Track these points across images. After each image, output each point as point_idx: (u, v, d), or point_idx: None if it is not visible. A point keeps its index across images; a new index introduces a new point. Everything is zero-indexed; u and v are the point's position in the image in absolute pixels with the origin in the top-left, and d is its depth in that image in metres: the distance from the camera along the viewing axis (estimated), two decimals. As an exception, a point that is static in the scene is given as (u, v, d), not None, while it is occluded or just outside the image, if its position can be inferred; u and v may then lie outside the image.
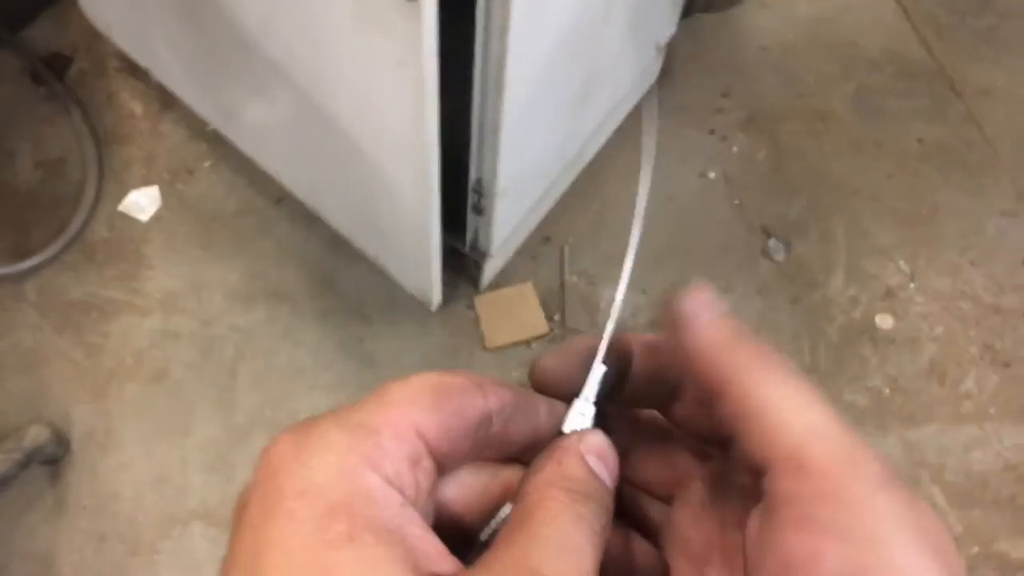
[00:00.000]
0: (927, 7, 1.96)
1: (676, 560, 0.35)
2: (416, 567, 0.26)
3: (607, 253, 1.64)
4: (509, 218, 1.48)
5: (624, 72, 1.63)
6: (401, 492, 0.28)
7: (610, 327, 0.35)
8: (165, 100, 1.73)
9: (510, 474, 0.34)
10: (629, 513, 0.37)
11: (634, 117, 1.75)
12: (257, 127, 1.52)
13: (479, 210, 1.41)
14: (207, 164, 1.70)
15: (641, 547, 0.36)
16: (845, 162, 1.78)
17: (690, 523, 0.34)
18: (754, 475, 0.30)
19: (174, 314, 1.55)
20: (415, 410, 0.30)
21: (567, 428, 0.35)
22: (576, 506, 0.30)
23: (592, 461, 0.32)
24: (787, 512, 0.28)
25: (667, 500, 0.36)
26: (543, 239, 1.65)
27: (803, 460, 0.28)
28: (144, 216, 1.63)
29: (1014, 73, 1.89)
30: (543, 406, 0.34)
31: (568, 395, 0.35)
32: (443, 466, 0.31)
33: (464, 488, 0.33)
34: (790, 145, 1.80)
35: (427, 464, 0.30)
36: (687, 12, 1.75)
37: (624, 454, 0.35)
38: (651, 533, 0.36)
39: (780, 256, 1.67)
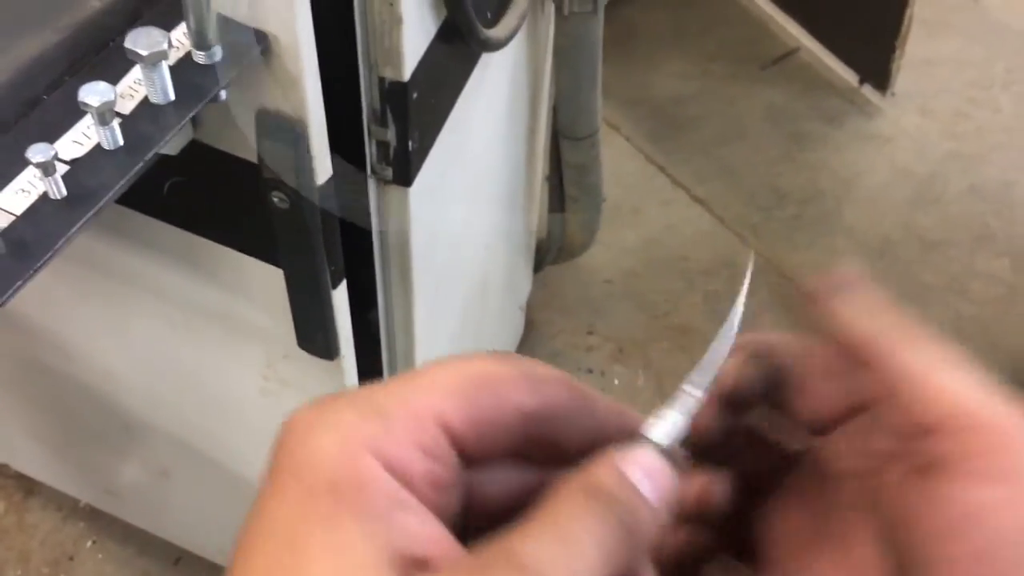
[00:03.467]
0: (737, 211, 2.15)
1: (778, 559, 0.35)
2: (394, 552, 0.26)
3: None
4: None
5: (501, 344, 1.66)
6: (405, 480, 0.27)
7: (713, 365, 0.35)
8: (28, 486, 1.59)
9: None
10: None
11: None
12: (145, 498, 1.42)
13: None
14: (89, 544, 1.55)
15: None
16: (718, 368, 1.86)
17: (793, 516, 0.35)
18: (903, 440, 0.30)
19: None
20: (442, 398, 0.28)
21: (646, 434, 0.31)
22: (592, 503, 0.27)
23: (630, 469, 0.29)
24: (958, 467, 0.28)
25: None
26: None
27: (969, 418, 0.28)
28: (29, 624, 1.46)
29: (829, 251, 2.08)
30: (602, 412, 0.32)
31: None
32: (476, 460, 0.29)
33: (504, 487, 0.31)
34: (664, 366, 1.87)
35: (447, 456, 0.28)
36: (538, 268, 1.83)
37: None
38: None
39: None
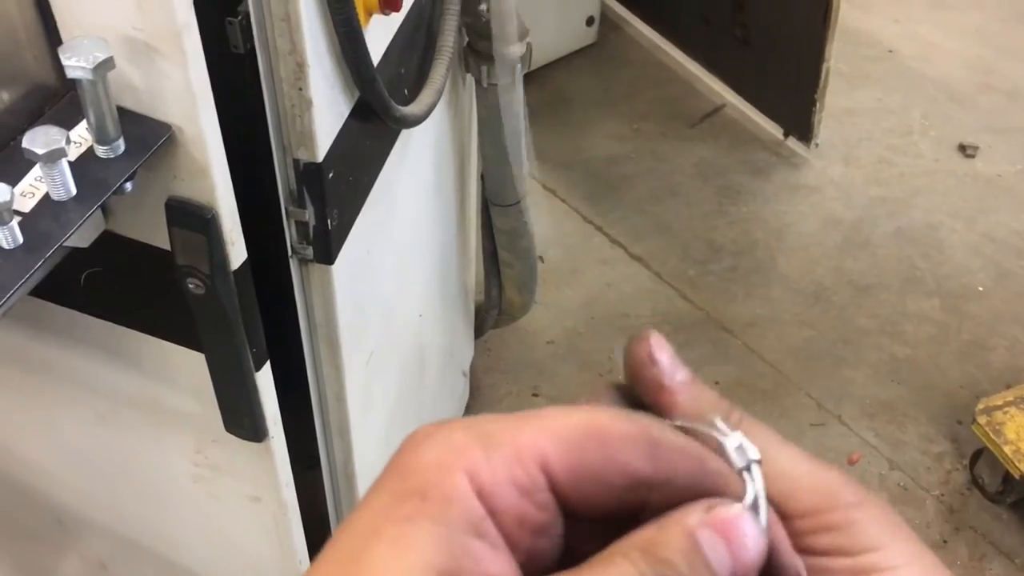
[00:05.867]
0: (674, 266, 2.18)
1: None
2: (452, 568, 0.26)
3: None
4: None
5: (445, 411, 1.66)
6: (491, 509, 0.27)
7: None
8: (-40, 590, 1.53)
9: None
10: None
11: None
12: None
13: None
14: (26, 646, 1.50)
15: None
16: (663, 423, 1.87)
17: None
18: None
19: None
20: (551, 442, 0.28)
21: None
22: (642, 566, 0.27)
23: (706, 536, 0.27)
24: (799, 545, 0.31)
25: None
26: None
27: (786, 507, 0.31)
28: None
29: (766, 301, 2.11)
30: (719, 485, 0.30)
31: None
32: (576, 510, 0.29)
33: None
34: (611, 424, 1.88)
35: (543, 498, 0.28)
36: (479, 333, 1.84)
37: None
38: None
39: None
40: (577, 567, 0.28)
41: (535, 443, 0.28)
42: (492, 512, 0.27)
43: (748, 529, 0.28)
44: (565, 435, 0.28)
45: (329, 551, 0.28)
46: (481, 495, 0.27)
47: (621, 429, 0.29)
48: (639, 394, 0.33)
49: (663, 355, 0.33)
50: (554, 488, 0.28)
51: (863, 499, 0.32)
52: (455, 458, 0.28)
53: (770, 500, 0.30)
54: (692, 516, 0.28)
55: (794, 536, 0.31)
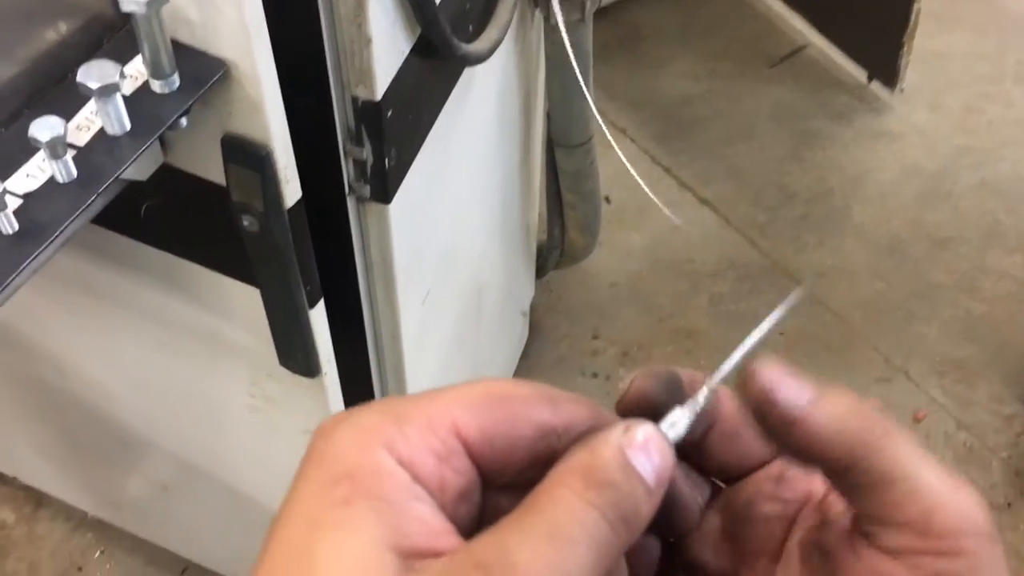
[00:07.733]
0: (744, 211, 2.13)
1: None
2: (400, 537, 0.27)
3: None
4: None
5: (503, 350, 1.66)
6: (414, 477, 0.29)
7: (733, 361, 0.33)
8: (37, 498, 1.61)
9: None
10: None
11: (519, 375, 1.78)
12: (149, 510, 1.43)
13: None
14: (97, 554, 1.57)
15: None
16: (724, 371, 1.85)
17: (709, 552, 0.35)
18: (859, 518, 0.31)
19: None
20: (458, 409, 0.30)
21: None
22: (589, 493, 0.28)
23: (632, 453, 0.29)
24: (911, 561, 0.30)
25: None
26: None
27: (929, 524, 0.30)
28: (37, 636, 1.48)
29: (837, 250, 2.06)
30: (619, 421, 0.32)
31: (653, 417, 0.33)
32: (493, 473, 0.31)
33: None
34: (670, 370, 1.86)
35: (460, 463, 0.30)
36: (540, 273, 1.83)
37: None
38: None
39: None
40: (518, 508, 0.28)
41: (445, 411, 0.30)
42: (415, 479, 0.29)
43: (664, 447, 0.30)
44: (470, 400, 0.30)
45: (272, 550, 0.28)
46: (402, 465, 0.29)
47: (519, 389, 0.31)
48: (767, 430, 0.31)
49: (783, 389, 0.31)
50: (469, 452, 0.30)
51: (995, 530, 0.30)
52: (371, 436, 0.29)
53: (913, 516, 0.30)
54: (615, 436, 0.30)
55: (927, 554, 0.30)
